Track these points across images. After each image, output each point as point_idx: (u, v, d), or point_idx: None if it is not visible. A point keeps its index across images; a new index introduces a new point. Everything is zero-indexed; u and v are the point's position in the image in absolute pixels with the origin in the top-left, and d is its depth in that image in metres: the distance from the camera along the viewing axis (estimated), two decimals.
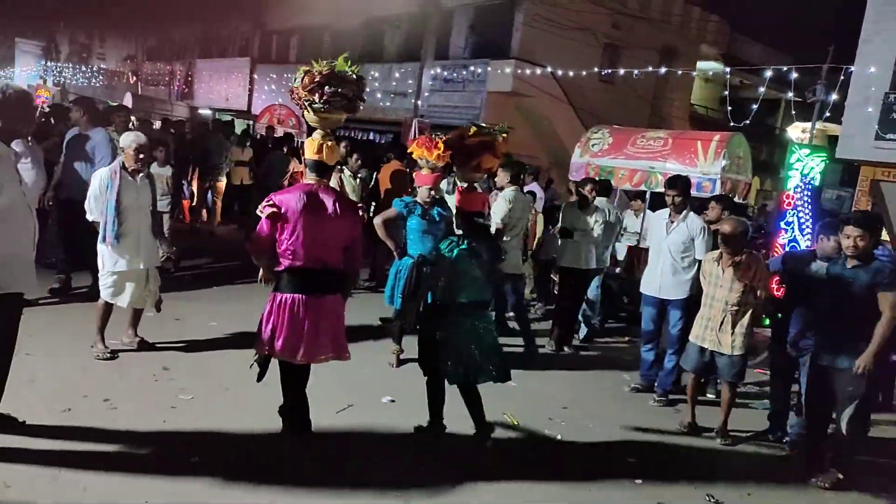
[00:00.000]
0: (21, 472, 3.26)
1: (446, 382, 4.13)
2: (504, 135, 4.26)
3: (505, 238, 6.05)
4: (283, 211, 3.52)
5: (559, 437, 4.58)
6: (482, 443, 4.12)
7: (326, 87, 3.62)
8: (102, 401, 4.11)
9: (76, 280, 6.22)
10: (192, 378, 4.66)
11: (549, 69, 13.49)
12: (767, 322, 5.54)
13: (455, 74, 16.16)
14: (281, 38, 24.45)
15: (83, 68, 35.88)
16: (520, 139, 16.30)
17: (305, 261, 3.55)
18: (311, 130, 3.90)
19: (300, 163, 4.38)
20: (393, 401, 4.73)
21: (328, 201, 3.62)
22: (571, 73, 12.71)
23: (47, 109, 12.20)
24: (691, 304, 5.30)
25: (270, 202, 3.55)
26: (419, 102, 13.85)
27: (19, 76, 39.02)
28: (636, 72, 11.99)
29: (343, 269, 3.74)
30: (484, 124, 4.41)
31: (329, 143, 3.71)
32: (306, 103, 3.67)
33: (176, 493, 3.30)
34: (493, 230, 5.85)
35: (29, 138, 5.10)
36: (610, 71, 15.12)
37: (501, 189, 6.43)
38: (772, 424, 5.08)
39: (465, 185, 4.27)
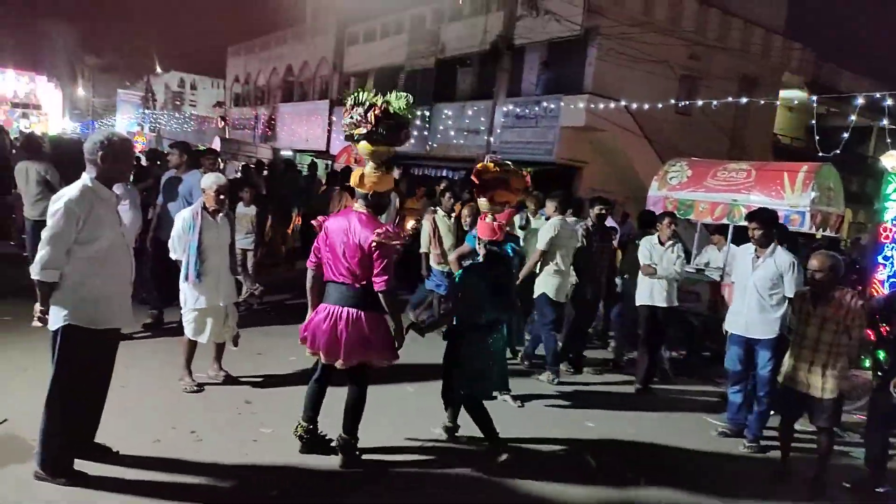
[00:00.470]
0: (115, 500, 3.40)
1: (483, 401, 4.47)
2: (526, 174, 4.68)
3: (556, 266, 6.41)
4: (322, 229, 3.99)
5: (642, 480, 4.40)
6: (497, 458, 4.30)
7: (342, 120, 3.96)
8: (189, 432, 4.27)
9: (167, 315, 6.54)
10: (273, 412, 4.77)
11: (623, 103, 13.33)
12: (867, 364, 5.18)
13: (527, 110, 16.21)
14: (358, 81, 25.34)
15: (176, 115, 38.43)
16: (594, 173, 16.14)
17: (336, 275, 3.91)
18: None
19: (352, 197, 4.72)
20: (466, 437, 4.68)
21: (358, 225, 3.84)
22: (647, 106, 12.50)
23: (143, 154, 13.04)
24: (782, 344, 5.02)
25: (317, 221, 4.07)
26: (492, 139, 13.92)
27: (120, 123, 42.29)
28: (714, 102, 11.64)
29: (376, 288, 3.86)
30: (509, 162, 4.79)
31: (364, 170, 3.94)
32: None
33: None
34: (538, 251, 6.43)
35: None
36: (687, 102, 14.78)
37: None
38: (872, 473, 4.71)
39: (488, 215, 4.60)
